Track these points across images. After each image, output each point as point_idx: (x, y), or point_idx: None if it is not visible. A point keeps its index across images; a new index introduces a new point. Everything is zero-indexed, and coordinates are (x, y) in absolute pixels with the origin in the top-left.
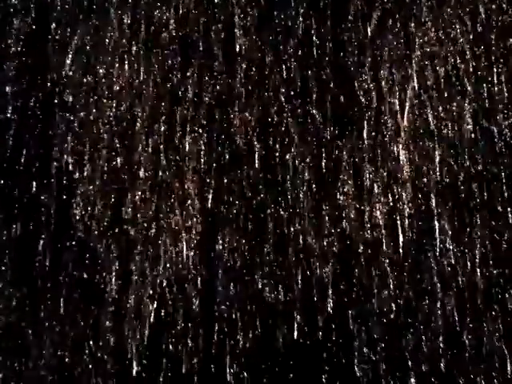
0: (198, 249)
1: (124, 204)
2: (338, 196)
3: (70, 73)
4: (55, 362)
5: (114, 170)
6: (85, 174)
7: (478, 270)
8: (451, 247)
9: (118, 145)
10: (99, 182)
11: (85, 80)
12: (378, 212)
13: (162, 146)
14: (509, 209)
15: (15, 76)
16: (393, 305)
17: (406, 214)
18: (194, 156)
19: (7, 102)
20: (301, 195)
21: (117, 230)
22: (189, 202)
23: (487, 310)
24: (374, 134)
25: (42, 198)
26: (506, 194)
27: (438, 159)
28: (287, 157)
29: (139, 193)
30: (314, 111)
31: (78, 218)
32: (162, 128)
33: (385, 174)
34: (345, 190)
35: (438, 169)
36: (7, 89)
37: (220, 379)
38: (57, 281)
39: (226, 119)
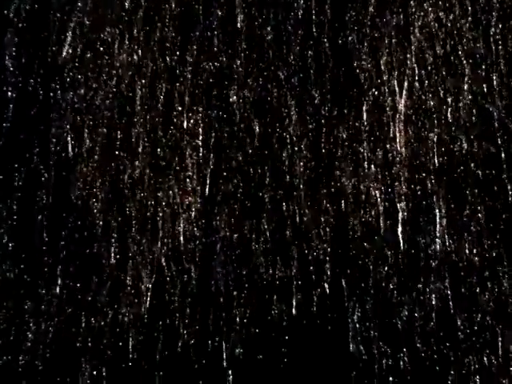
0: (196, 225)
1: (123, 180)
2: (336, 174)
3: (70, 50)
4: (53, 335)
5: (113, 147)
6: (84, 149)
7: (473, 248)
8: (447, 226)
9: (117, 121)
10: (98, 157)
11: (85, 56)
12: (376, 190)
13: (160, 123)
14: (508, 187)
15: (16, 51)
16: (388, 282)
17: (403, 193)
18: (192, 133)
19: (8, 77)
20: (298, 173)
21: (116, 206)
22: (187, 178)
23: (481, 288)
24: (372, 113)
25: (42, 173)
26: (503, 174)
27: (435, 139)
28: (285, 134)
29: (138, 169)
30: (313, 90)
31: (77, 193)
32: (161, 104)
33: (382, 152)
34: (342, 168)
35: (435, 149)
36: (8, 64)
37: (216, 353)
38: (56, 256)
39: (224, 96)
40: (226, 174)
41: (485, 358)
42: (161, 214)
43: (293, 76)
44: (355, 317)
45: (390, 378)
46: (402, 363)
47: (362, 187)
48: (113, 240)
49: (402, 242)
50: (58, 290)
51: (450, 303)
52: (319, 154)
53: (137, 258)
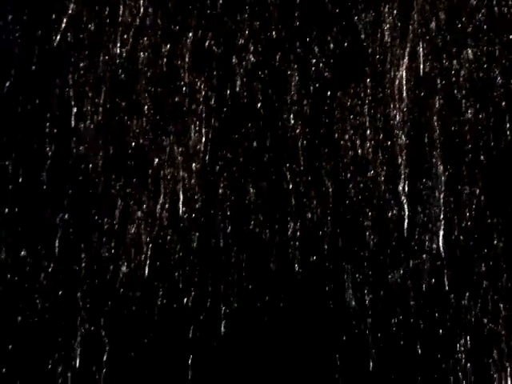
0: (197, 186)
1: (125, 140)
2: (337, 141)
3: (74, 9)
4: (52, 294)
5: (116, 109)
6: (86, 109)
7: (473, 216)
8: (446, 194)
9: (119, 85)
10: (100, 117)
11: (88, 23)
12: (376, 154)
13: (162, 85)
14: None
15: (17, 16)
16: (386, 247)
17: (404, 158)
18: (194, 95)
19: (9, 33)
20: (299, 136)
21: (117, 166)
22: (189, 142)
23: (479, 255)
24: (374, 77)
25: (44, 134)
26: (502, 143)
27: (436, 105)
28: (287, 98)
29: (140, 130)
30: (316, 54)
31: (79, 152)
32: (163, 66)
33: (383, 117)
34: (344, 135)
35: (436, 114)
36: (9, 26)
37: (213, 313)
38: (57, 211)
39: (227, 62)
40: (228, 136)
41: (476, 318)
42: (162, 174)
43: (295, 39)
44: (351, 276)
45: (379, 334)
46: (395, 321)
47: (362, 151)
48: (114, 198)
49: (400, 205)
50: (57, 243)
51: (445, 266)
52: (320, 118)
53: (138, 216)
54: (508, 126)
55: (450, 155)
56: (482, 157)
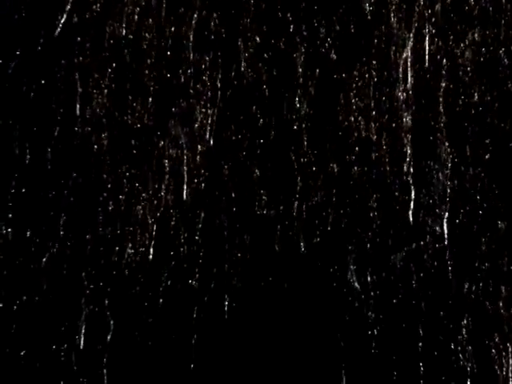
0: (202, 168)
1: (129, 123)
2: (342, 122)
3: None
4: (57, 274)
5: (120, 90)
6: (90, 89)
7: (476, 187)
8: (451, 177)
9: (123, 64)
10: (106, 99)
11: (93, 4)
12: (381, 135)
13: (167, 69)
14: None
15: None
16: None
17: (409, 142)
18: (199, 79)
19: (13, 16)
20: (304, 116)
21: (122, 147)
22: (194, 122)
23: (482, 238)
24: (380, 61)
25: (49, 114)
26: (508, 126)
27: (442, 87)
28: (292, 78)
29: (144, 112)
30: (322, 35)
31: (83, 134)
32: (168, 51)
33: (388, 101)
34: (349, 117)
35: (441, 99)
36: (14, 6)
37: (217, 294)
38: (61, 194)
39: (232, 43)
40: (233, 116)
41: (478, 300)
42: (166, 155)
43: (301, 20)
44: (354, 257)
45: (381, 315)
46: (397, 302)
47: (367, 132)
48: (118, 179)
49: (405, 187)
50: (61, 224)
51: (447, 245)
52: (326, 99)
53: (142, 197)
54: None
55: (456, 137)
56: (487, 139)
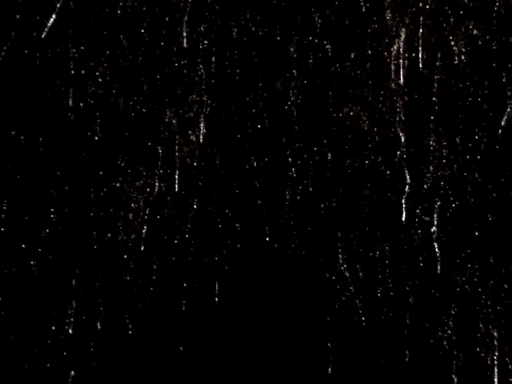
0: (196, 153)
1: (123, 109)
2: (336, 112)
3: None
4: (48, 259)
5: (119, 68)
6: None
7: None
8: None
9: (123, 42)
10: (100, 85)
11: None
12: (374, 124)
13: (161, 54)
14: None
15: None
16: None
17: (403, 127)
18: (193, 66)
19: None
20: (298, 109)
21: (115, 134)
22: (188, 110)
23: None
24: (374, 49)
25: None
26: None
27: (435, 78)
28: (287, 70)
29: (138, 98)
30: (317, 26)
31: (77, 119)
32: (164, 35)
33: (383, 88)
34: (342, 107)
35: (436, 84)
36: None
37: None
38: (54, 179)
39: (226, 31)
40: (226, 105)
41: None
42: (160, 141)
43: (296, 12)
44: (344, 245)
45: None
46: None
47: (360, 122)
48: (112, 165)
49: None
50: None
51: (437, 234)
52: (319, 88)
53: (136, 184)
54: (509, 96)
55: (449, 126)
56: (481, 128)
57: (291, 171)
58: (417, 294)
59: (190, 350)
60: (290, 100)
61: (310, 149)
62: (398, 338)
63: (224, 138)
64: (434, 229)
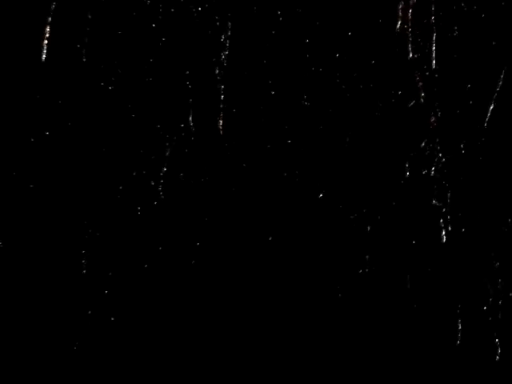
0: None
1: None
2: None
3: None
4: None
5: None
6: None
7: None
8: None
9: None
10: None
11: None
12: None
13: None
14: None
15: None
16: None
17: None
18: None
19: None
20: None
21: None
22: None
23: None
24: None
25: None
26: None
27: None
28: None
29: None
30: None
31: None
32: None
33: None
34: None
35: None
36: None
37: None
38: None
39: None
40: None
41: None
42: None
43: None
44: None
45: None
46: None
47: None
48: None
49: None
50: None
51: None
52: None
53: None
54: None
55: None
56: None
57: (296, 157)
58: (419, 294)
59: (190, 350)
60: (288, 85)
61: (308, 137)
62: (399, 339)
63: (222, 126)
64: (439, 210)
